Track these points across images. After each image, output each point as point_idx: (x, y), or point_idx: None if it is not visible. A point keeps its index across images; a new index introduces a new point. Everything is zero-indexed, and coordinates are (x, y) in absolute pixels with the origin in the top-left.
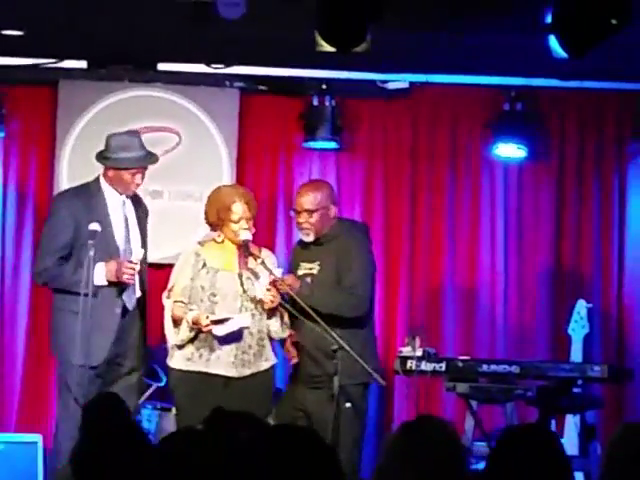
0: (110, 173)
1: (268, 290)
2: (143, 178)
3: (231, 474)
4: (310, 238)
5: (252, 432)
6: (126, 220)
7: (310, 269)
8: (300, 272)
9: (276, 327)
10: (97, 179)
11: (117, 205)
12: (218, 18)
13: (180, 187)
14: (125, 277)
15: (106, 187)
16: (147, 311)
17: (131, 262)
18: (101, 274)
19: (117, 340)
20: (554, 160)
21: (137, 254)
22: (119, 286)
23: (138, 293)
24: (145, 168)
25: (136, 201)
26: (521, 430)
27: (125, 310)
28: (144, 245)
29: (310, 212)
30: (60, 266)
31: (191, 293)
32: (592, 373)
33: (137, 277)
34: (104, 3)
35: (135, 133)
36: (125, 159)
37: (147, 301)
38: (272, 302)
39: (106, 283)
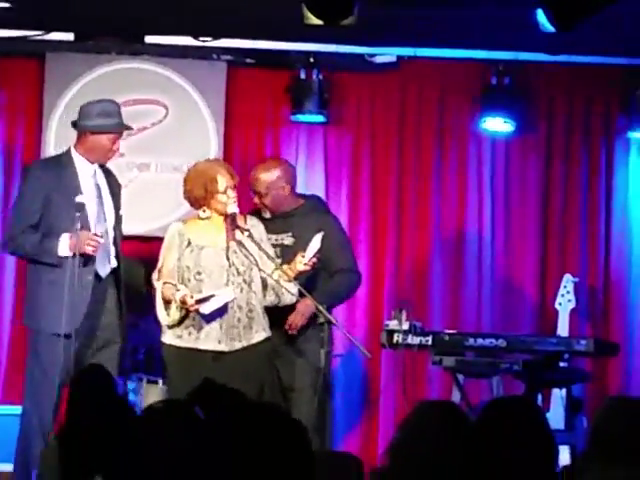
0: (89, 139)
1: (305, 264)
2: (119, 147)
3: (186, 455)
4: (267, 215)
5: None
6: (98, 189)
7: (279, 240)
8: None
9: (294, 291)
10: (68, 151)
11: (88, 175)
12: None
13: (167, 159)
14: (88, 249)
15: (77, 158)
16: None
17: (95, 234)
18: (65, 245)
19: (90, 311)
20: (541, 134)
21: (100, 227)
22: (84, 257)
23: (113, 263)
24: (121, 135)
25: (108, 173)
26: (505, 402)
27: (98, 279)
28: (118, 216)
29: (260, 195)
30: (26, 235)
31: (178, 273)
32: (578, 347)
33: (113, 248)
34: None
35: (112, 101)
36: (108, 125)
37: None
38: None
39: (70, 254)
